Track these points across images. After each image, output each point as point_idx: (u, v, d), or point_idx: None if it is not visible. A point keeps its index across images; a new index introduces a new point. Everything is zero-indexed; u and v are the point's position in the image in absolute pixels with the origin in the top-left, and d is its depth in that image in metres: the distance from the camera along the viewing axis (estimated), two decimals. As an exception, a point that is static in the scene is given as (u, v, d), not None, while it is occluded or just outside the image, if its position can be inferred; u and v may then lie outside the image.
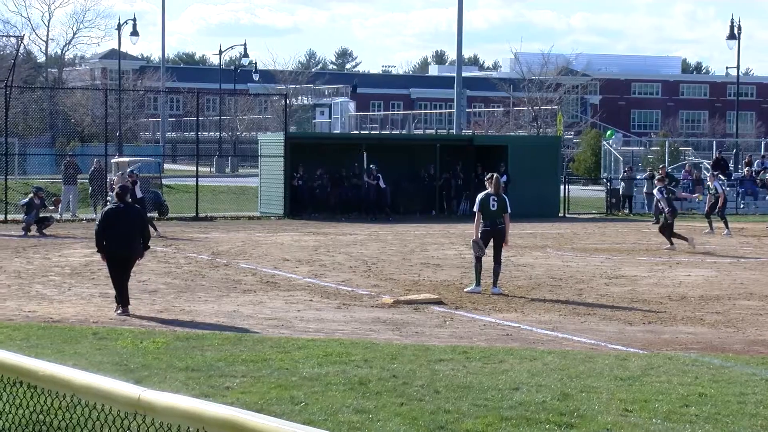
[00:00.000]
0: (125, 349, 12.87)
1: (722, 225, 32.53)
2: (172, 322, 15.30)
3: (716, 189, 33.25)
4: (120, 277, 16.07)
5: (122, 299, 16.01)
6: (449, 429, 9.32)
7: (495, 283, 18.94)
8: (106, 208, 17.15)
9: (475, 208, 19.14)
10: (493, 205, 18.90)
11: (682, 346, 13.83)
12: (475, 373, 11.66)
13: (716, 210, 32.84)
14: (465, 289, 18.94)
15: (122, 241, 16.00)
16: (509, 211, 19.14)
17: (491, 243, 19.01)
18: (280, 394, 10.53)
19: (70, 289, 18.68)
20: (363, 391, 10.65)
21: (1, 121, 38.10)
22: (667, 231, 27.25)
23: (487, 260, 18.98)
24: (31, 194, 30.50)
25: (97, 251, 16.45)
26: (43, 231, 29.63)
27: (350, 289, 19.20)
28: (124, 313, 15.86)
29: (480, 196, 19.18)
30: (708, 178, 35.87)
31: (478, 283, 18.88)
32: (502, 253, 19.35)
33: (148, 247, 16.54)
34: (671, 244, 27.03)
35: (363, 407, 10.00)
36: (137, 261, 16.47)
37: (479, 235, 18.96)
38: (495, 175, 19.44)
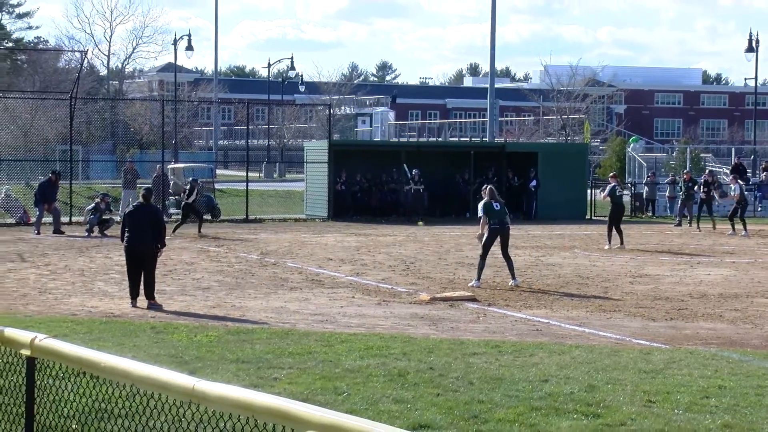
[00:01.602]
0: (180, 343, 12.93)
1: (741, 227, 32.30)
2: (224, 317, 15.35)
3: (736, 191, 33.06)
4: (138, 270, 16.26)
5: (147, 292, 16.22)
6: (482, 418, 9.29)
7: (513, 276, 19.46)
8: (128, 208, 17.42)
9: (480, 213, 19.69)
10: (497, 206, 19.58)
11: (703, 341, 13.73)
12: (506, 365, 11.62)
13: (738, 212, 32.72)
14: (469, 284, 19.26)
15: (137, 237, 16.22)
16: (508, 213, 19.96)
17: (498, 241, 19.47)
18: (325, 384, 10.54)
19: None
20: (402, 383, 10.64)
21: (66, 130, 38.45)
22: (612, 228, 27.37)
23: (492, 259, 18.95)
24: (98, 199, 30.86)
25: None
26: (105, 232, 29.86)
27: (390, 286, 19.19)
28: (140, 305, 16.19)
29: (482, 203, 19.74)
30: (730, 181, 35.59)
31: (478, 278, 19.40)
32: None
33: (164, 243, 16.62)
34: (609, 242, 27.21)
35: (402, 397, 10.00)
36: (158, 256, 16.51)
37: (487, 233, 19.46)
38: (489, 186, 20.29)
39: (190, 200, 30.62)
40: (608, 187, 28.01)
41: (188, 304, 16.54)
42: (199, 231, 29.81)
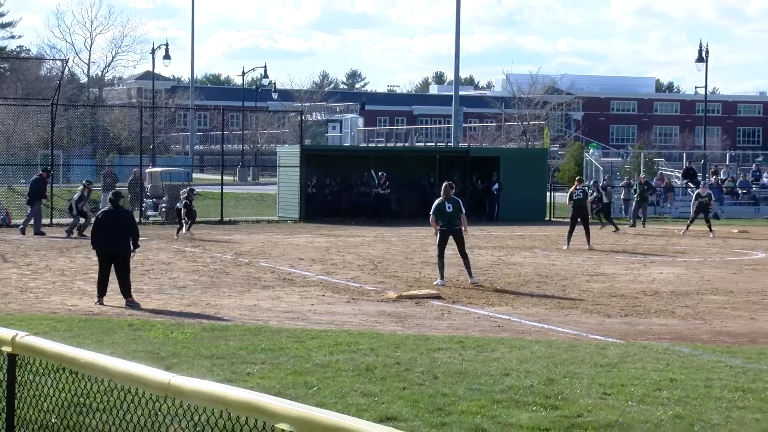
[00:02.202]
0: (157, 339, 12.86)
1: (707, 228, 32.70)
2: (199, 315, 15.29)
3: (710, 196, 33.66)
4: (107, 271, 16.22)
5: (125, 291, 16.11)
6: (447, 411, 9.30)
7: (471, 275, 19.26)
8: (99, 212, 17.33)
9: (431, 212, 19.43)
10: (449, 208, 19.23)
11: (655, 336, 13.81)
12: (469, 360, 11.64)
13: (710, 214, 33.45)
14: (434, 282, 19.14)
15: (109, 240, 16.13)
16: (464, 212, 19.47)
17: (452, 241, 19.23)
18: (296, 379, 10.52)
19: (108, 286, 18.63)
20: (369, 377, 10.64)
21: (47, 135, 38.22)
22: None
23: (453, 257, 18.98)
24: (81, 186, 30.87)
25: (92, 248, 16.67)
26: (83, 233, 29.68)
27: (358, 285, 19.18)
28: (102, 302, 16.17)
29: (435, 202, 19.50)
30: (701, 187, 35.85)
31: (442, 277, 19.19)
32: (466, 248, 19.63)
33: (138, 245, 16.53)
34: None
35: (369, 391, 9.99)
36: (131, 258, 16.39)
37: (438, 234, 19.26)
38: (446, 183, 19.91)
39: (180, 206, 30.78)
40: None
41: (165, 303, 16.46)
42: (177, 233, 29.86)
